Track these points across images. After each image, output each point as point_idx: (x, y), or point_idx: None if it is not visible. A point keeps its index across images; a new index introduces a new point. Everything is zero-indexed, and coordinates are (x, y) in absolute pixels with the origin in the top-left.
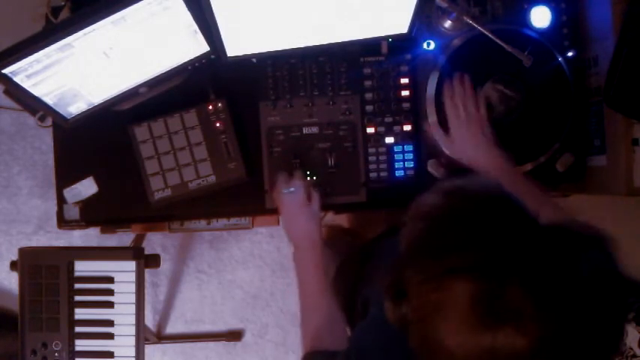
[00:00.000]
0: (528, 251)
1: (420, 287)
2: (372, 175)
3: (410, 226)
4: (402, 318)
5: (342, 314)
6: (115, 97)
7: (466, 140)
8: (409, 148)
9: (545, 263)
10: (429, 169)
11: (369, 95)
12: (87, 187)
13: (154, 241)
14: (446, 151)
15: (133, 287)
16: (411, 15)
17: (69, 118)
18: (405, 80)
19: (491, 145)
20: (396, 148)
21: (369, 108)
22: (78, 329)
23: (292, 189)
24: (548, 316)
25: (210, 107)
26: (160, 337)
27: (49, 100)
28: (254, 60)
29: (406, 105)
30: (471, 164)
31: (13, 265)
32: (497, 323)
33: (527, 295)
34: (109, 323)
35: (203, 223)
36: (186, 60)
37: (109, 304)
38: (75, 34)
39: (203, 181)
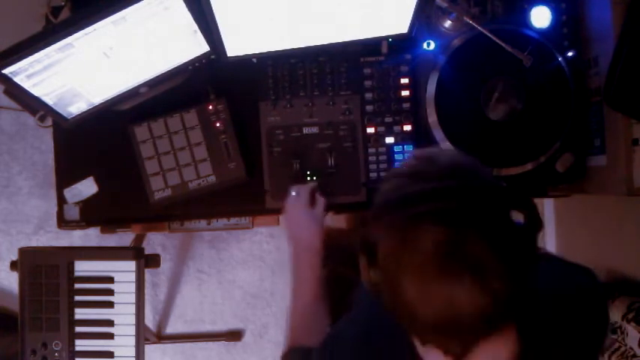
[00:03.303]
0: (491, 207)
1: (385, 238)
2: (372, 175)
3: (380, 187)
4: (375, 279)
5: (330, 319)
6: (115, 97)
7: None
8: (409, 148)
9: (506, 220)
10: None
11: (369, 95)
12: (87, 187)
13: (154, 241)
14: None
15: (133, 287)
16: (411, 15)
17: (69, 118)
18: (405, 80)
19: None
20: (396, 148)
21: (369, 108)
22: (78, 329)
23: (294, 192)
24: (509, 271)
25: (210, 107)
26: (160, 337)
27: (49, 100)
28: (254, 60)
29: (406, 105)
30: None
31: (13, 265)
32: (456, 271)
33: (488, 247)
34: (109, 323)
35: (203, 223)
36: (186, 60)
37: (109, 304)
38: (75, 34)
39: (203, 181)
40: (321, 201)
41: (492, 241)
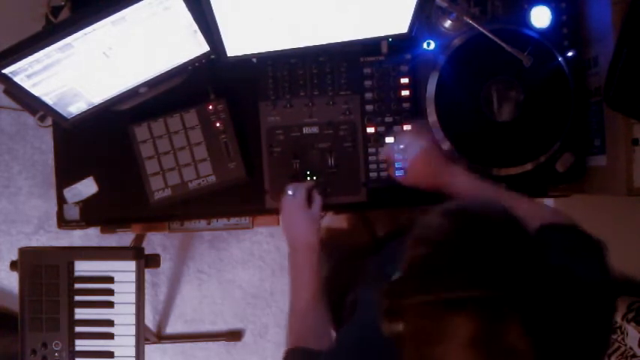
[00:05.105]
0: (532, 290)
1: (418, 314)
2: (372, 174)
3: (411, 249)
4: (397, 335)
5: (330, 318)
6: (115, 97)
7: (426, 174)
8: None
9: (549, 305)
10: None
11: (369, 95)
12: (87, 187)
13: (154, 241)
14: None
15: (133, 287)
16: (411, 15)
17: (69, 117)
18: (405, 80)
19: (450, 166)
20: (396, 148)
21: (369, 108)
22: (78, 329)
23: (290, 192)
24: (545, 351)
25: (210, 107)
26: (160, 337)
27: (49, 100)
28: (254, 60)
29: (406, 105)
30: (444, 191)
31: (13, 265)
32: (492, 358)
33: (527, 335)
34: (109, 323)
35: (203, 223)
36: (186, 60)
37: (109, 304)
38: (75, 34)
39: (203, 181)
40: (318, 200)
41: (532, 329)
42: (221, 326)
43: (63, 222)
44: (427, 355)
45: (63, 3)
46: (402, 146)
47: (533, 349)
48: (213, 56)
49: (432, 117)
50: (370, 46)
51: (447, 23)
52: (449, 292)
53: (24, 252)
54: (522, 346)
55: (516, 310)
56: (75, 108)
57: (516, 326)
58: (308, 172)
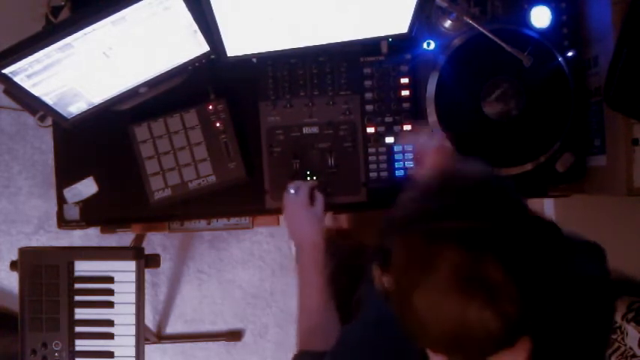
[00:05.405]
0: (517, 232)
1: (402, 252)
2: (372, 175)
3: (403, 196)
4: (388, 287)
5: (338, 316)
6: (115, 97)
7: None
8: (409, 147)
9: (531, 248)
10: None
11: (369, 95)
12: (87, 187)
13: (154, 241)
14: None
15: (133, 287)
16: (411, 15)
17: (69, 117)
18: (405, 80)
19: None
20: (396, 148)
21: (369, 108)
22: (78, 329)
23: (293, 190)
24: (525, 296)
25: (210, 107)
26: (160, 337)
27: (49, 100)
28: (254, 60)
29: (406, 105)
30: None
31: (13, 265)
32: (471, 293)
33: (505, 272)
34: (109, 323)
35: (203, 223)
36: (186, 60)
37: (109, 304)
38: (75, 34)
39: (203, 181)
40: (320, 198)
41: (511, 266)
42: (221, 326)
43: (63, 222)
44: (407, 292)
45: (63, 3)
46: (431, 138)
47: (513, 288)
48: (213, 56)
49: (432, 117)
50: (370, 46)
51: (447, 23)
52: (432, 224)
53: (24, 252)
54: (502, 282)
55: (499, 246)
56: (75, 108)
57: (496, 262)
58: (308, 172)
